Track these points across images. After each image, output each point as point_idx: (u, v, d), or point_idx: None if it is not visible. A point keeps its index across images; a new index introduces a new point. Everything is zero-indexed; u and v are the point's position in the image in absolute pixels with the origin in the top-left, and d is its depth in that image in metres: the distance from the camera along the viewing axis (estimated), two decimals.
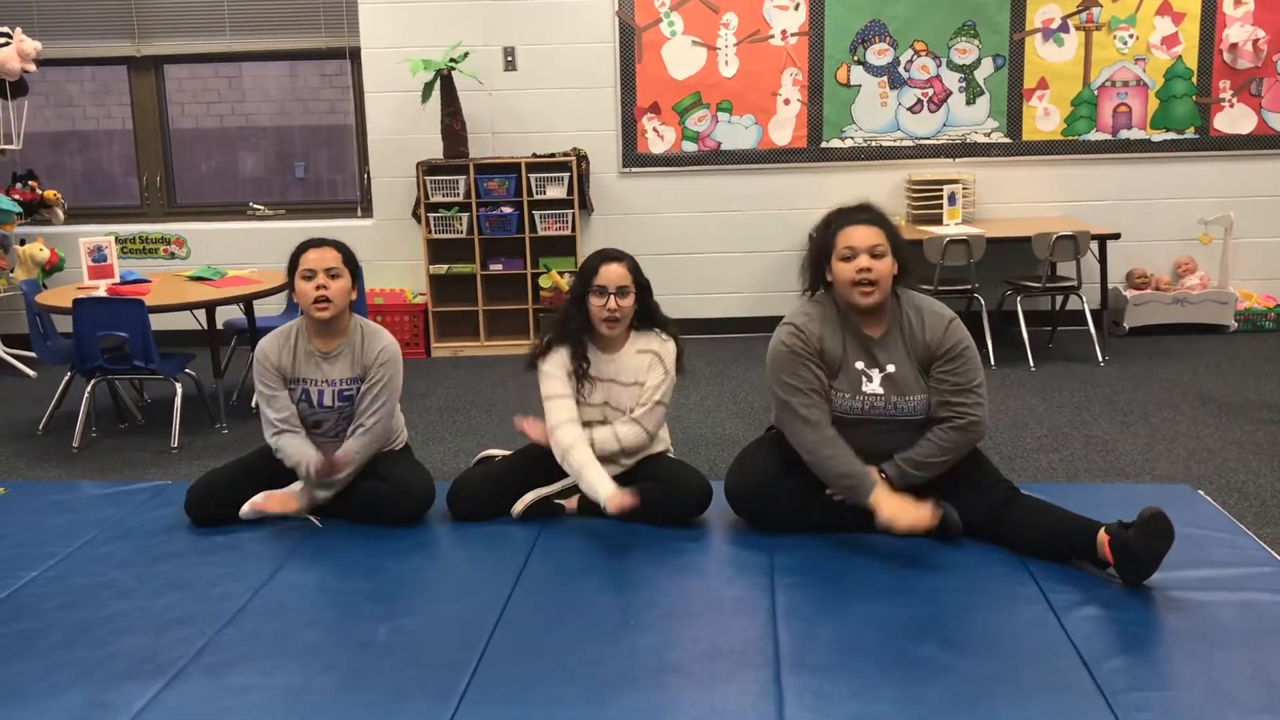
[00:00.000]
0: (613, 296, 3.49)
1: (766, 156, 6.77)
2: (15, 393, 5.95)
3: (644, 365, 3.57)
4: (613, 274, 3.50)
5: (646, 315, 3.61)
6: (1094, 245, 6.14)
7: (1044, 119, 6.69)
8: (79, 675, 2.68)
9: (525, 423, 3.65)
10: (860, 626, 2.83)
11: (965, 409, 3.26)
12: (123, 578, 3.25)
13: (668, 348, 3.59)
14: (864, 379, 3.31)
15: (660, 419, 3.61)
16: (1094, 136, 6.69)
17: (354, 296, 3.68)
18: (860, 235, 3.28)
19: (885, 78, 6.68)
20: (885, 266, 3.27)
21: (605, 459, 3.49)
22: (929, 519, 3.13)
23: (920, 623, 2.84)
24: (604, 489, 3.33)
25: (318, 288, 3.55)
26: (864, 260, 3.25)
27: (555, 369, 3.55)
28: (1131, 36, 6.58)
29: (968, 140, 6.73)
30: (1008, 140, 6.72)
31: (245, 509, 3.62)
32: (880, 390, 3.30)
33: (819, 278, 3.40)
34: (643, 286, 3.57)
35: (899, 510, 3.15)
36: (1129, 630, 2.79)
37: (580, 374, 3.55)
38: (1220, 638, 2.72)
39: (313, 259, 3.59)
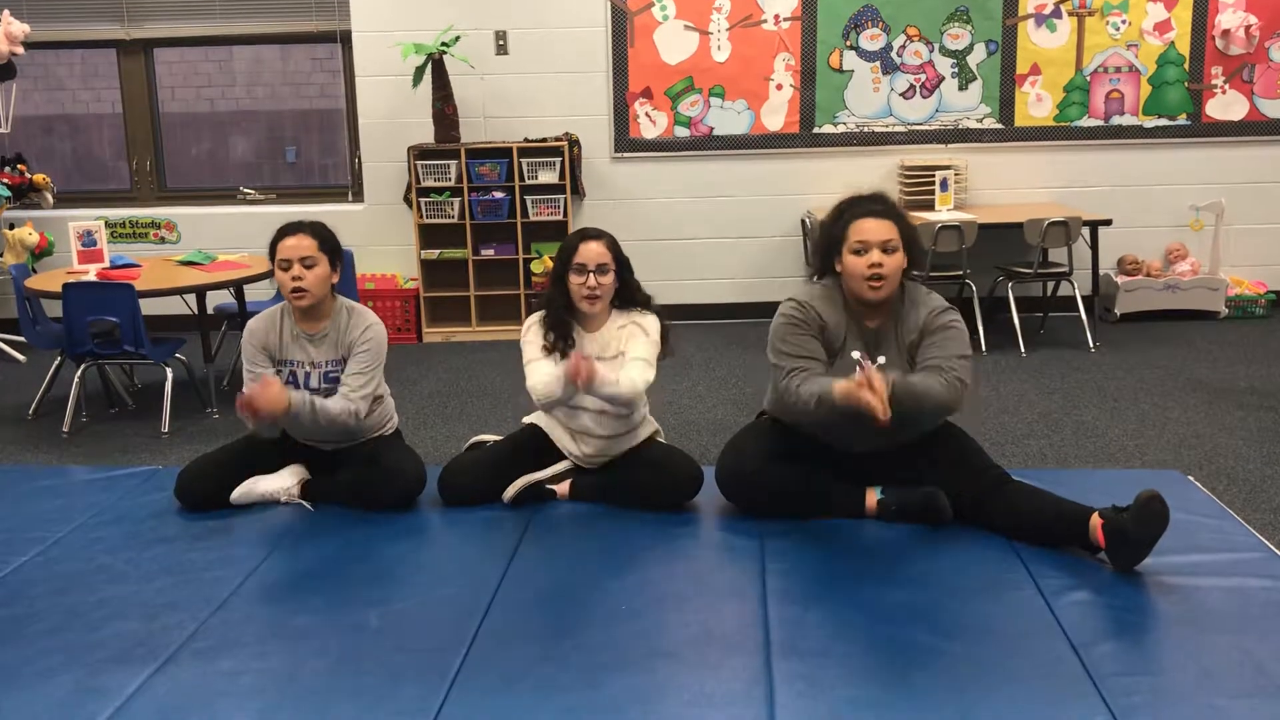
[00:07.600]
0: (592, 274, 3.49)
1: (759, 142, 6.75)
2: (4, 378, 5.92)
3: (625, 337, 3.57)
4: (592, 252, 3.51)
5: (627, 293, 3.61)
6: (1085, 231, 6.15)
7: (1036, 105, 6.69)
8: (70, 660, 2.68)
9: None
10: (850, 612, 2.84)
11: (951, 371, 3.21)
12: (114, 563, 3.25)
13: (648, 319, 3.59)
14: (858, 369, 3.30)
15: (645, 374, 3.47)
16: (1086, 123, 6.69)
17: (335, 280, 3.64)
18: (873, 229, 3.25)
19: (878, 63, 6.66)
20: (896, 262, 3.25)
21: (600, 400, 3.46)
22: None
23: (910, 608, 2.85)
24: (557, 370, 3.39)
25: (294, 279, 3.52)
26: (876, 255, 3.23)
27: (536, 338, 3.58)
28: (1124, 22, 6.57)
29: (960, 126, 6.72)
30: (1000, 126, 6.71)
31: (236, 493, 3.62)
32: None
33: (828, 266, 3.39)
34: (622, 264, 3.57)
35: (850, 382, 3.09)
36: (1118, 615, 2.80)
37: (563, 353, 3.52)
38: (1209, 623, 2.74)
39: (288, 248, 3.55)
